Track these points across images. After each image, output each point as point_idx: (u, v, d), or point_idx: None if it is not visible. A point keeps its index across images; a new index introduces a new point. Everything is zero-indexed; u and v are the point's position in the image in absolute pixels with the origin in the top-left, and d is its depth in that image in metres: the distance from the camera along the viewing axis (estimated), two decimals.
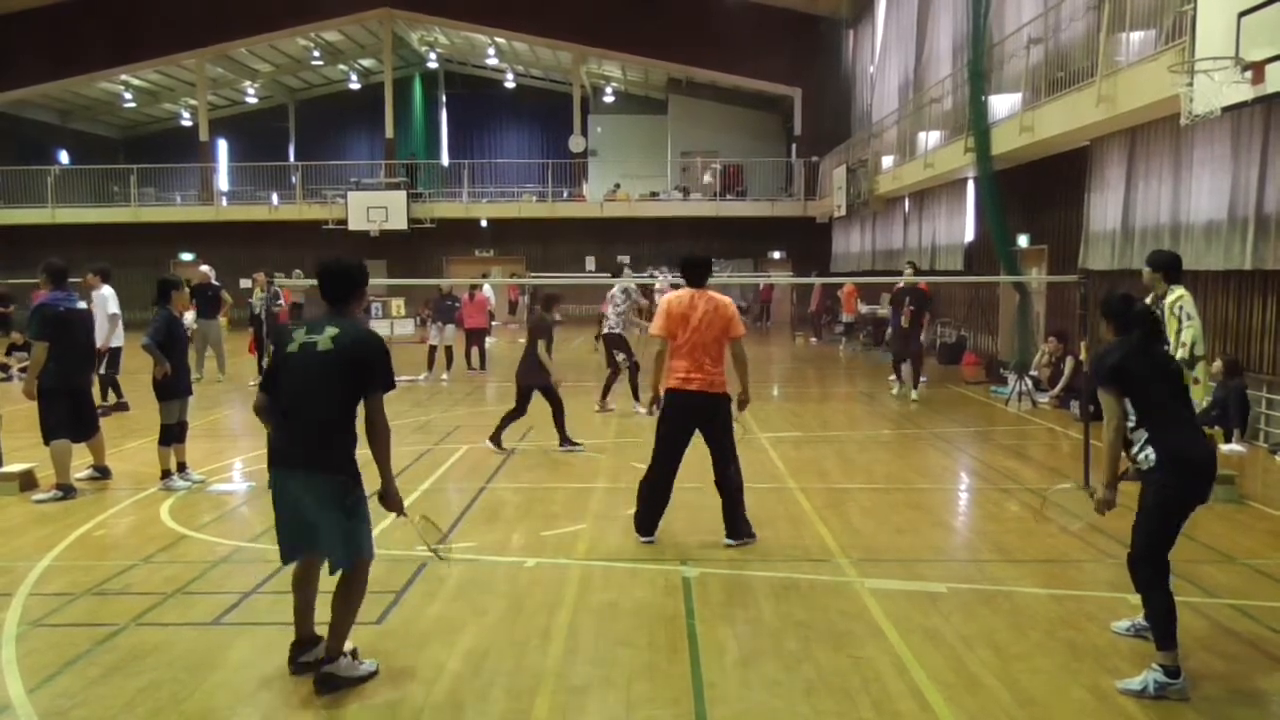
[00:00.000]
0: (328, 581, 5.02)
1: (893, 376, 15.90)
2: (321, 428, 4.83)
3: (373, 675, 4.95)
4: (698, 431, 7.31)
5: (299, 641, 5.10)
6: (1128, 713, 4.61)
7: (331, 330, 4.86)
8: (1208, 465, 5.00)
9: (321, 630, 5.03)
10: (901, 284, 15.62)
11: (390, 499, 5.03)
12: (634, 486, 7.62)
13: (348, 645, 4.95)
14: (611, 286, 14.32)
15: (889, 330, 16.31)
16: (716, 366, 7.14)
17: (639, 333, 13.65)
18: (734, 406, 7.32)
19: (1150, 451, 4.89)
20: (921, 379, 16.88)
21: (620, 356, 13.76)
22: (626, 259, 30.12)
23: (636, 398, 13.55)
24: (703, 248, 34.06)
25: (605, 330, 14.06)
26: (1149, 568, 4.87)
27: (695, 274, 7.36)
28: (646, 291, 15.46)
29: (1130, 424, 4.96)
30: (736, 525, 7.30)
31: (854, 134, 30.17)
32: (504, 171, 39.87)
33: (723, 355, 7.19)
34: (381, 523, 7.79)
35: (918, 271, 19.08)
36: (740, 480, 7.35)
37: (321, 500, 4.83)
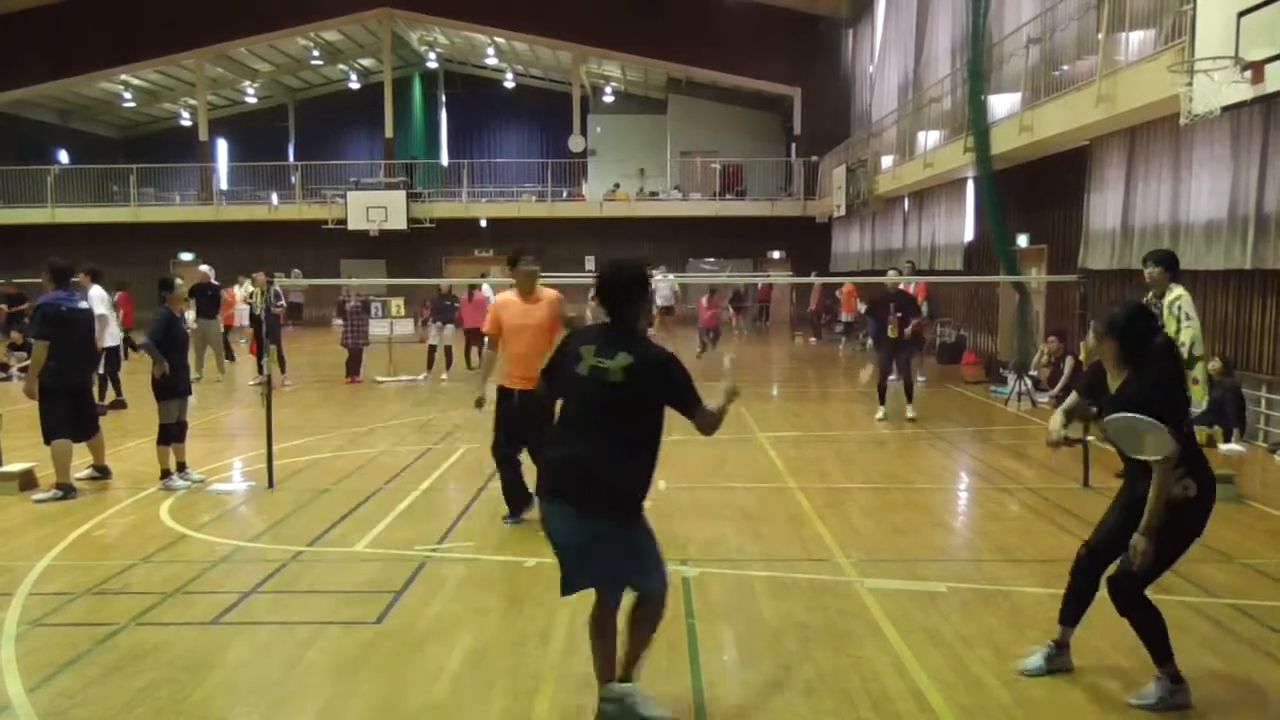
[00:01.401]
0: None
1: (881, 407, 13.42)
2: (620, 468, 4.26)
3: None
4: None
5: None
6: (1128, 713, 4.61)
7: (624, 359, 4.24)
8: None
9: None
10: (887, 286, 14.06)
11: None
12: None
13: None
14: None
15: (868, 341, 14.17)
16: None
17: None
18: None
19: (1190, 482, 4.59)
20: (920, 378, 16.89)
21: None
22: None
23: None
24: (704, 248, 34.58)
25: None
26: (1137, 591, 4.69)
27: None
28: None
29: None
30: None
31: (853, 134, 30.17)
32: (503, 171, 39.86)
33: None
34: (381, 524, 7.83)
35: (915, 271, 19.12)
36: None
37: (622, 537, 4.31)
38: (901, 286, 15.74)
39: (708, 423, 4.43)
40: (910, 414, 13.08)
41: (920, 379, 16.87)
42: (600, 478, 4.21)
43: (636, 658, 4.49)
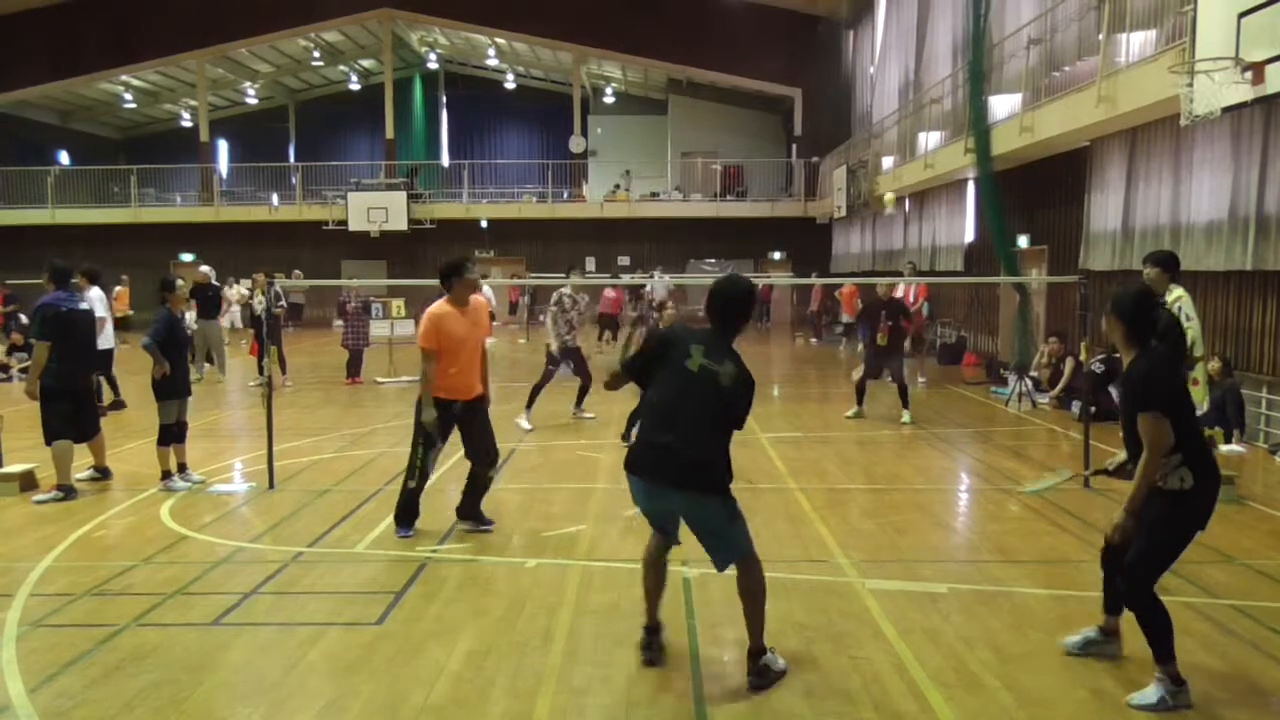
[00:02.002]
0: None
1: (857, 407, 13.48)
2: (708, 451, 4.87)
3: (785, 672, 5.01)
4: None
5: (653, 626, 5.26)
6: (1129, 713, 4.61)
7: (730, 367, 4.89)
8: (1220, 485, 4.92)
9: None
10: (878, 292, 13.88)
11: None
12: None
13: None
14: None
15: (860, 345, 13.99)
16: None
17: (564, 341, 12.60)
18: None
19: (1187, 473, 4.67)
20: (921, 379, 16.90)
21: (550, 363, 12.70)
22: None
23: (528, 407, 12.54)
24: (704, 249, 34.57)
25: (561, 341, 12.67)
26: (1145, 586, 4.73)
27: (441, 279, 7.79)
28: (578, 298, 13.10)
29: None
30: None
31: (854, 134, 30.17)
32: (504, 172, 39.90)
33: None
34: (381, 524, 7.82)
35: (916, 272, 19.12)
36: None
37: (710, 516, 4.95)
38: (902, 287, 15.80)
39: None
40: (905, 419, 12.95)
41: (921, 380, 16.92)
42: (693, 460, 4.81)
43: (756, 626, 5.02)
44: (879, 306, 13.44)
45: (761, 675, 4.90)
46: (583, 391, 13.07)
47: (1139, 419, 4.66)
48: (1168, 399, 4.65)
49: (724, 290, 5.02)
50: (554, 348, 12.59)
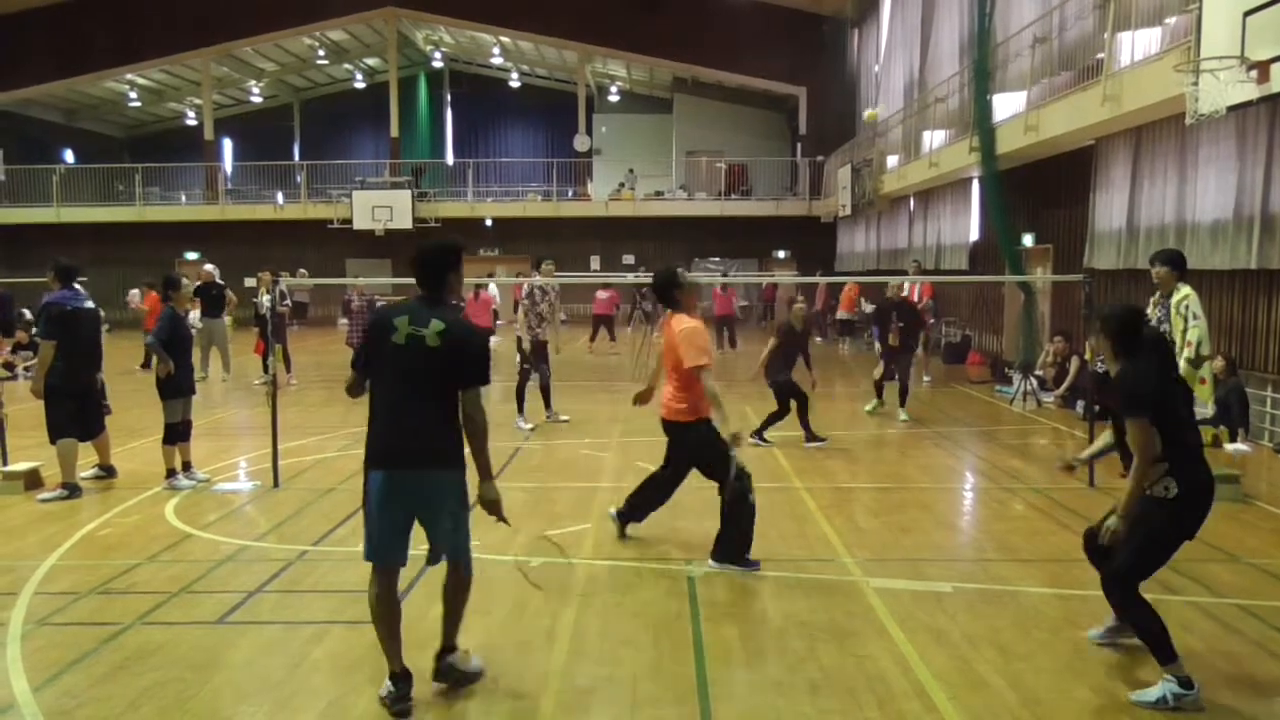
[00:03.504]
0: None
1: (876, 401, 13.75)
2: (438, 424, 4.70)
3: (480, 674, 4.99)
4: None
5: (403, 674, 4.73)
6: (1133, 713, 4.60)
7: (437, 325, 4.67)
8: (1213, 495, 4.95)
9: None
10: (889, 294, 14.09)
11: (491, 502, 4.80)
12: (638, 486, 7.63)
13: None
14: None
15: (875, 345, 14.35)
16: (675, 395, 6.81)
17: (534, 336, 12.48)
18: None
19: (1171, 482, 4.77)
20: (926, 378, 16.87)
21: (520, 361, 12.67)
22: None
23: (520, 410, 12.55)
24: (709, 247, 34.55)
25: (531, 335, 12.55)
26: (1129, 589, 4.81)
27: (656, 294, 7.13)
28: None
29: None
30: (719, 547, 6.79)
31: (859, 133, 30.13)
32: (509, 171, 39.86)
33: (686, 382, 6.74)
34: None
35: (921, 271, 19.09)
36: (732, 504, 6.72)
37: (442, 495, 4.74)
38: (907, 286, 15.83)
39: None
40: (902, 416, 13.12)
41: (926, 379, 16.91)
42: (424, 435, 4.73)
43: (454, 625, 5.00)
44: (890, 307, 13.62)
45: (448, 674, 4.88)
46: (545, 391, 12.81)
47: (1127, 426, 4.82)
48: (1153, 406, 4.76)
49: (420, 252, 4.87)
50: (525, 343, 12.44)
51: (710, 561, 6.73)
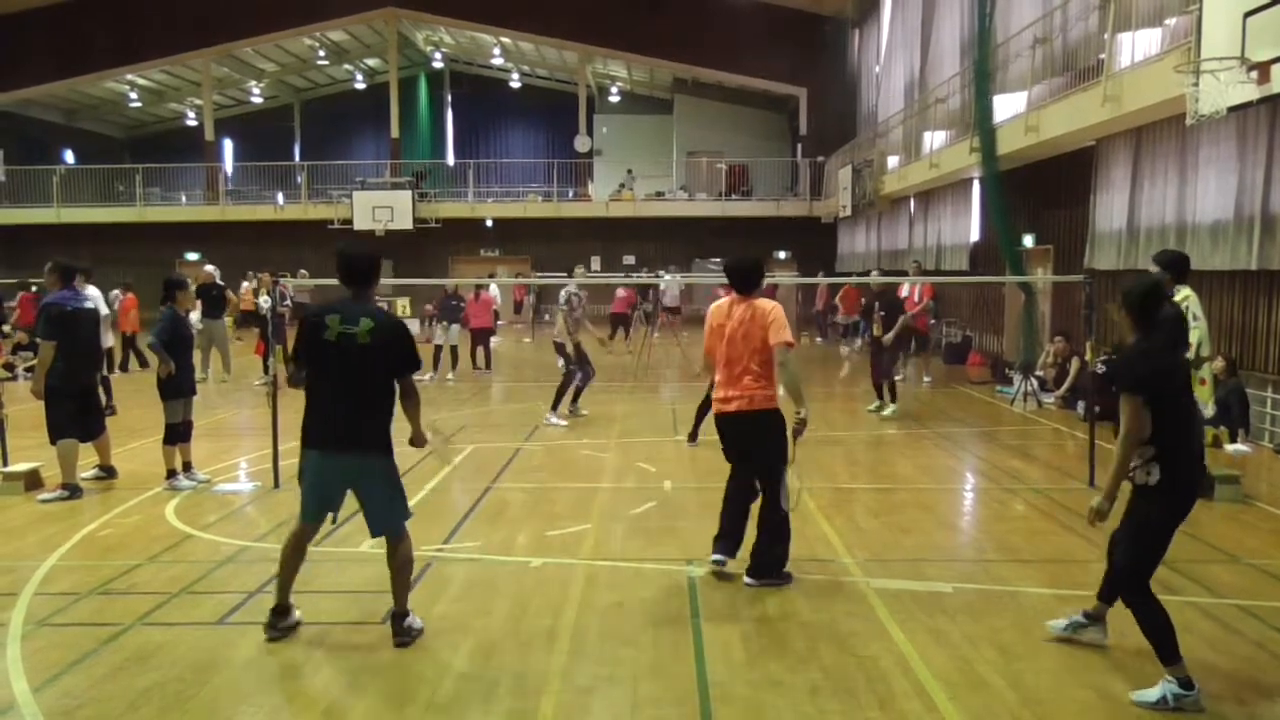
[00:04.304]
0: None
1: (887, 404, 13.61)
2: (367, 413, 5.35)
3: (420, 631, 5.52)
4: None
5: (282, 608, 5.54)
6: (1133, 713, 4.60)
7: (367, 323, 5.28)
8: (1202, 482, 4.96)
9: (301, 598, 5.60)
10: (871, 287, 14.25)
11: (418, 438, 5.74)
12: (640, 487, 7.65)
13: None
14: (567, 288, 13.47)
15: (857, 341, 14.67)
16: (758, 382, 6.38)
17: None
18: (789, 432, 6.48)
19: (1156, 469, 4.74)
20: (926, 379, 16.87)
21: (561, 363, 13.10)
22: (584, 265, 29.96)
23: (554, 407, 12.96)
24: (709, 248, 34.55)
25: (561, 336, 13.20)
26: (1138, 584, 4.80)
27: (739, 280, 6.65)
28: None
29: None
30: (760, 563, 6.47)
31: (859, 134, 30.15)
32: (509, 171, 39.83)
33: (768, 369, 6.41)
34: None
35: (922, 271, 19.09)
36: (781, 517, 6.48)
37: (372, 477, 5.43)
38: (906, 287, 15.85)
39: None
40: (887, 412, 13.31)
41: (926, 380, 16.92)
42: (357, 423, 5.50)
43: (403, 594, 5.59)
44: (872, 300, 14.15)
45: (406, 634, 5.41)
46: (580, 390, 13.30)
47: (1120, 401, 4.80)
48: (1150, 386, 4.74)
49: (342, 255, 5.51)
50: (569, 348, 12.86)
51: (748, 579, 6.39)
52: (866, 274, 27.24)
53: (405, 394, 5.49)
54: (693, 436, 11.07)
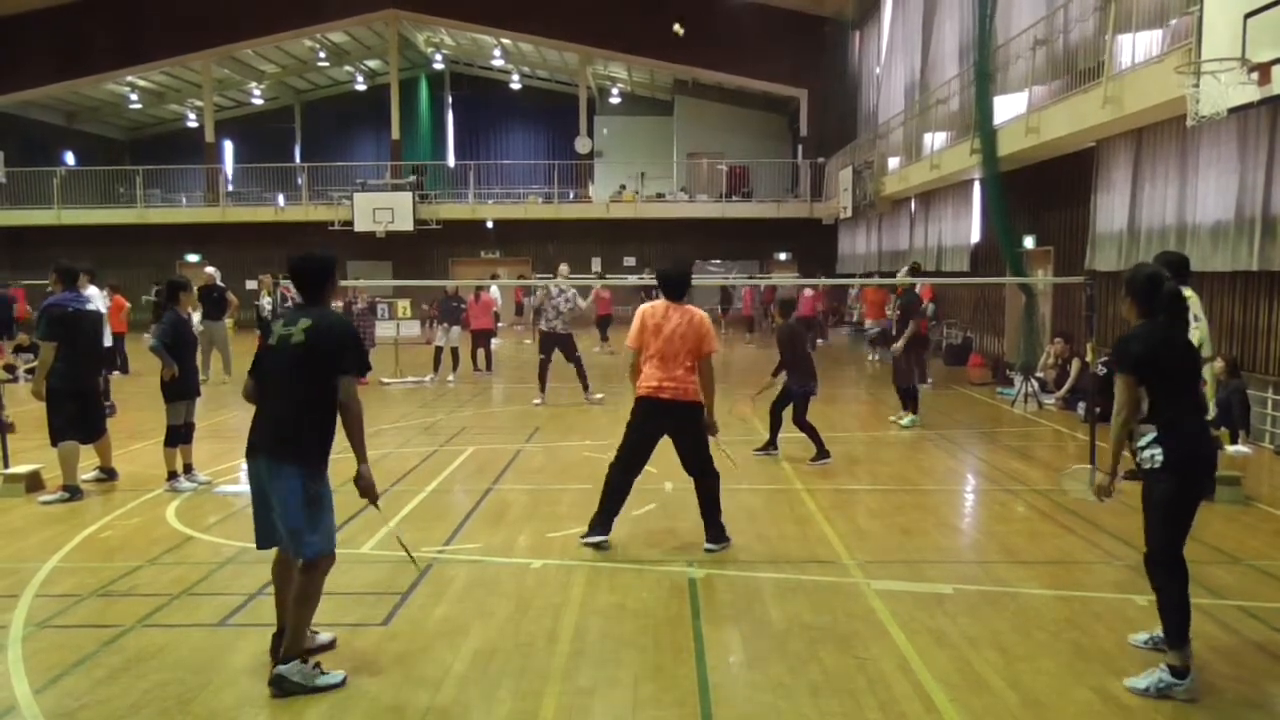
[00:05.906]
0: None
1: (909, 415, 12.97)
2: (290, 419, 4.94)
3: (335, 687, 4.86)
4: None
5: (280, 632, 5.11)
6: (1133, 714, 4.60)
7: (304, 322, 4.99)
8: (1212, 463, 5.00)
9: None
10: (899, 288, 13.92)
11: (364, 483, 5.15)
12: (640, 488, 7.63)
13: (322, 640, 5.22)
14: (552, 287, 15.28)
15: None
16: (690, 376, 7.16)
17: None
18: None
19: (1158, 451, 4.80)
20: (927, 380, 16.87)
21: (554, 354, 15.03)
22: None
23: (586, 388, 14.95)
24: (710, 249, 34.54)
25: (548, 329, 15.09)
26: (1164, 566, 4.87)
27: (673, 288, 7.34)
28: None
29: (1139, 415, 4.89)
30: (714, 531, 7.28)
31: (860, 135, 30.16)
32: (510, 173, 39.85)
33: (694, 368, 7.18)
34: (387, 525, 7.82)
35: (921, 272, 19.08)
36: (717, 488, 7.36)
37: (280, 485, 4.88)
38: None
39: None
40: (904, 422, 12.78)
41: (927, 381, 16.90)
42: (278, 426, 5.04)
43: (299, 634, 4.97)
44: (897, 298, 14.15)
45: (277, 683, 4.81)
46: (581, 377, 15.04)
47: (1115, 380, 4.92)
48: (1145, 366, 4.84)
49: (300, 263, 5.22)
50: (536, 337, 15.24)
51: (708, 546, 7.19)
52: (869, 275, 27.42)
53: (344, 406, 4.96)
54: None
